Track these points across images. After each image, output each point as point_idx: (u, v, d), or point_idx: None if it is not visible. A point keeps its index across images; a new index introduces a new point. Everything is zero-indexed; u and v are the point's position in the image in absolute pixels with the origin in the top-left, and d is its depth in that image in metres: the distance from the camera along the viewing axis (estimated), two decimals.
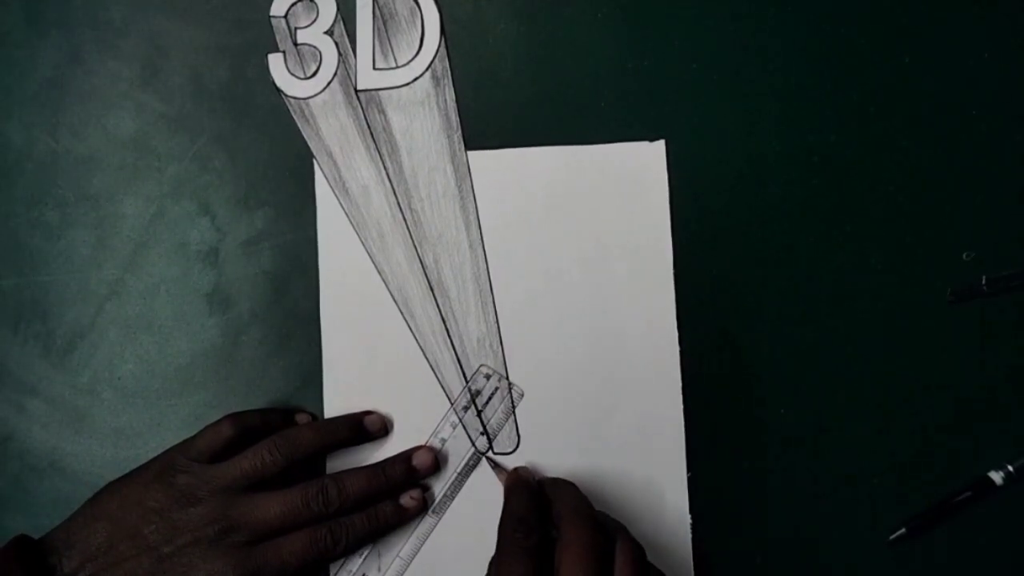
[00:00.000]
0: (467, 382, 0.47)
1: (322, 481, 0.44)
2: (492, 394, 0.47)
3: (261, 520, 0.42)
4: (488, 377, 0.47)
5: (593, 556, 0.38)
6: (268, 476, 0.43)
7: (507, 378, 0.47)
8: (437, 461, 0.47)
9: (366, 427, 0.47)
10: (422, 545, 0.46)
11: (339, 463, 0.47)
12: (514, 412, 0.47)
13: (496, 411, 0.47)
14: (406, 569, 0.46)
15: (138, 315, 0.49)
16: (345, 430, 0.46)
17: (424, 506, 0.46)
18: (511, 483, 0.44)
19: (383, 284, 0.48)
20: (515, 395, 0.47)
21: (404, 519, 0.46)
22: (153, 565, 0.41)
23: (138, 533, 0.41)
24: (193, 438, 0.45)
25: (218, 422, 0.45)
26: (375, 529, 0.45)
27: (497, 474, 0.46)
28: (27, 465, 0.48)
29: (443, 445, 0.47)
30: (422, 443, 0.47)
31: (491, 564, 0.41)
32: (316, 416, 0.48)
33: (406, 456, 0.46)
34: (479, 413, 0.47)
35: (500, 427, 0.47)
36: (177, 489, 0.42)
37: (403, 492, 0.46)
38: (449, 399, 0.47)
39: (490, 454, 0.47)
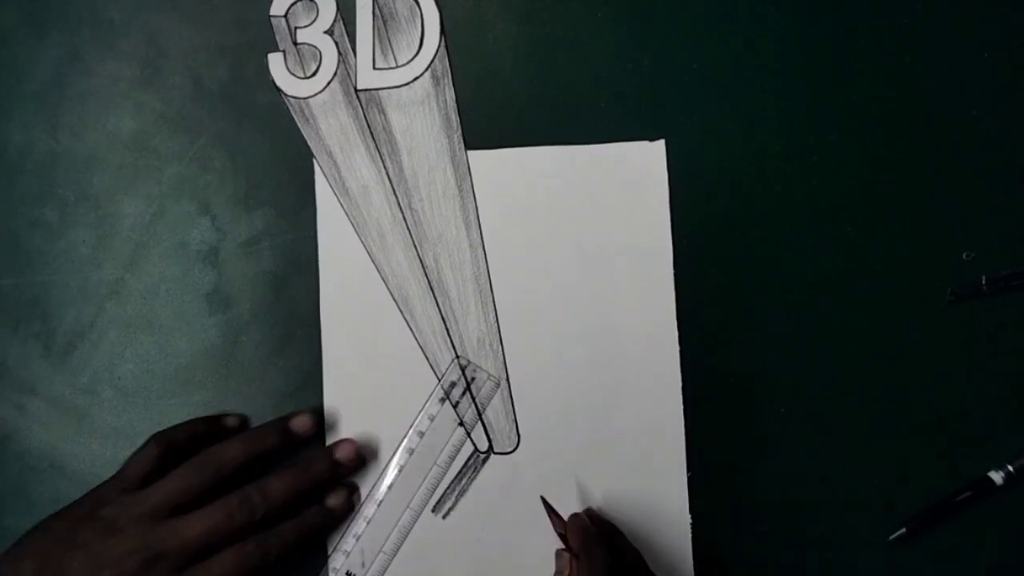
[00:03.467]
0: (440, 378, 0.47)
1: (244, 491, 0.43)
2: (468, 385, 0.47)
3: (184, 543, 0.41)
4: (464, 368, 0.47)
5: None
6: (196, 497, 0.42)
7: (508, 381, 0.47)
8: (360, 453, 0.46)
9: (292, 430, 0.46)
10: (404, 538, 0.46)
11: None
12: (514, 408, 0.47)
13: (470, 405, 0.47)
14: (389, 563, 0.46)
15: (138, 315, 0.49)
16: (273, 436, 0.45)
17: (351, 507, 0.46)
18: (577, 528, 0.42)
19: (383, 284, 0.48)
20: (491, 385, 0.47)
21: (332, 521, 0.45)
22: None
23: (62, 571, 0.40)
24: (121, 467, 0.44)
25: (143, 446, 0.44)
26: (303, 535, 0.44)
27: (552, 520, 0.44)
28: (27, 465, 0.48)
29: (421, 439, 0.47)
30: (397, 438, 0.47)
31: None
32: (246, 419, 0.47)
33: (328, 450, 0.46)
34: (455, 405, 0.47)
35: (475, 422, 0.47)
36: (100, 520, 0.41)
37: (329, 490, 0.46)
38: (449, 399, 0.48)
39: (545, 497, 0.45)
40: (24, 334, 0.49)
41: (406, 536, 0.46)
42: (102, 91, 0.50)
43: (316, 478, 0.45)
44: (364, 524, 0.46)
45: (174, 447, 0.44)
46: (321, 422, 0.47)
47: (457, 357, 0.47)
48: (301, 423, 0.46)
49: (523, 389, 0.47)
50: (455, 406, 0.47)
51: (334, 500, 0.45)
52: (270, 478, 0.44)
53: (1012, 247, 0.47)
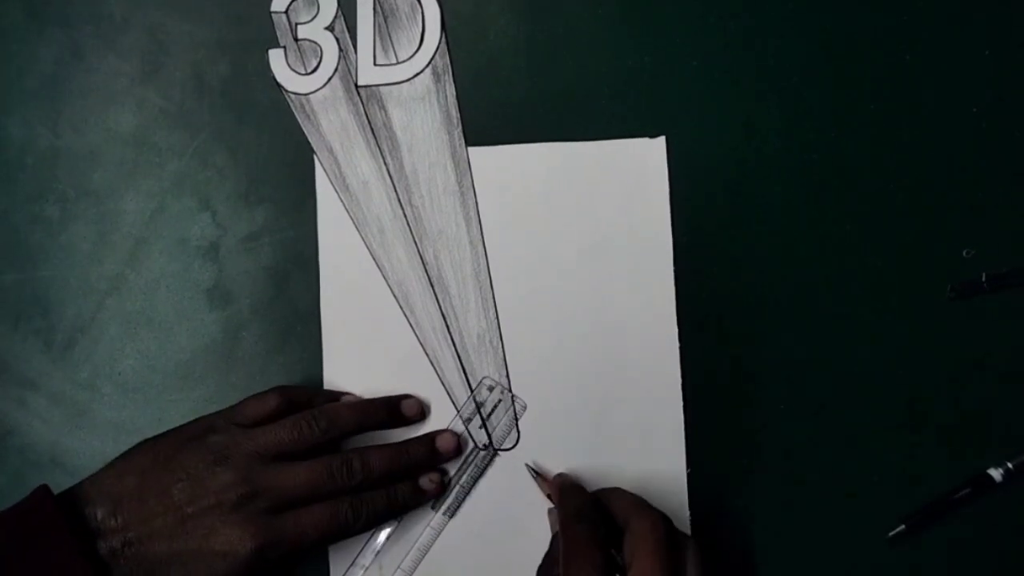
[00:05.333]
0: (472, 391, 0.47)
1: (347, 454, 0.44)
2: (495, 406, 0.47)
3: (284, 488, 0.42)
4: (491, 389, 0.47)
5: (666, 548, 0.38)
6: (301, 448, 0.43)
7: (510, 389, 0.47)
8: (460, 446, 0.47)
9: (403, 411, 0.47)
10: (423, 556, 0.46)
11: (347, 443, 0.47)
12: (517, 422, 0.47)
13: (498, 424, 0.47)
14: None
15: (139, 311, 0.49)
16: (383, 412, 0.46)
17: (442, 490, 0.46)
18: (561, 484, 0.44)
19: (383, 280, 0.48)
20: (518, 407, 0.47)
21: (421, 501, 0.46)
22: (176, 525, 0.40)
23: (166, 490, 0.41)
24: (238, 404, 0.45)
25: (264, 393, 0.45)
26: (394, 508, 0.45)
27: (539, 483, 0.46)
28: (28, 460, 0.48)
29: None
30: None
31: (541, 570, 0.42)
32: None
33: (430, 438, 0.47)
34: (484, 425, 0.47)
35: (502, 439, 0.47)
36: (208, 448, 0.42)
37: (422, 474, 0.46)
38: (449, 395, 0.48)
39: (530, 462, 0.46)
40: (25, 330, 0.49)
41: (425, 553, 0.46)
42: (103, 87, 0.50)
43: (413, 461, 0.46)
44: (383, 539, 0.47)
45: (292, 405, 0.45)
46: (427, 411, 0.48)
47: (485, 378, 0.47)
48: (411, 408, 0.47)
49: (523, 386, 0.47)
50: (484, 425, 0.47)
51: (426, 482, 0.46)
52: (371, 449, 0.45)
53: (1012, 244, 0.47)
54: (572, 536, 0.39)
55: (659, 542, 0.38)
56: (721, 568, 0.46)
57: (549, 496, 0.45)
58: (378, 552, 0.46)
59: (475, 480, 0.47)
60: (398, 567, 0.46)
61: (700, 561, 0.39)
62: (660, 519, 0.39)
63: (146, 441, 0.43)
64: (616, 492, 0.43)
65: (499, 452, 0.47)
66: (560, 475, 0.46)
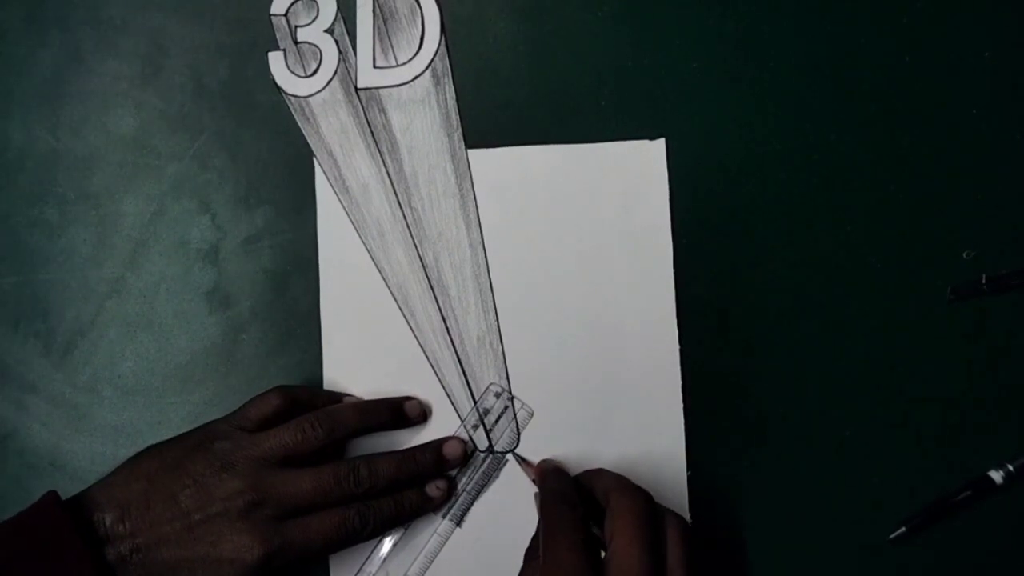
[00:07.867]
0: (476, 398, 0.47)
1: (354, 461, 0.44)
2: (501, 413, 0.47)
3: (291, 495, 0.42)
4: (498, 396, 0.47)
5: (645, 524, 0.38)
6: (306, 451, 0.43)
7: (510, 392, 0.47)
8: (466, 453, 0.47)
9: (406, 412, 0.47)
10: (431, 563, 0.46)
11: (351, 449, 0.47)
12: (514, 407, 0.47)
13: (504, 431, 0.47)
14: None
15: (138, 313, 0.49)
16: (386, 413, 0.46)
17: (448, 497, 0.46)
18: (543, 468, 0.45)
19: (383, 282, 0.48)
20: (525, 414, 0.47)
21: (428, 508, 0.46)
22: (183, 532, 0.41)
23: (173, 496, 0.41)
24: (241, 407, 0.45)
25: (267, 392, 0.45)
26: (400, 515, 0.45)
27: (524, 469, 0.46)
28: (27, 463, 0.48)
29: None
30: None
31: (528, 552, 0.41)
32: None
33: (436, 445, 0.46)
34: (488, 431, 0.47)
35: (507, 445, 0.47)
36: (214, 454, 0.42)
37: (429, 481, 0.46)
38: (449, 398, 0.47)
39: (517, 451, 0.47)
40: (24, 332, 0.49)
41: (432, 560, 0.46)
42: (102, 90, 0.50)
43: (420, 468, 0.45)
44: (389, 546, 0.46)
45: (295, 404, 0.45)
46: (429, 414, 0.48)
47: (492, 384, 0.47)
48: (414, 409, 0.47)
49: (523, 388, 0.47)
50: (488, 433, 0.47)
51: (433, 489, 0.46)
52: (378, 457, 0.45)
53: (1012, 246, 0.47)
54: (551, 517, 0.40)
55: (637, 518, 0.38)
56: (722, 569, 0.46)
57: (535, 482, 0.45)
58: (384, 559, 0.46)
59: (482, 486, 0.47)
60: (404, 574, 0.46)
61: (682, 535, 0.39)
62: (640, 495, 0.39)
63: (152, 447, 0.43)
64: (598, 472, 0.43)
65: (505, 458, 0.47)
66: (544, 461, 0.46)
